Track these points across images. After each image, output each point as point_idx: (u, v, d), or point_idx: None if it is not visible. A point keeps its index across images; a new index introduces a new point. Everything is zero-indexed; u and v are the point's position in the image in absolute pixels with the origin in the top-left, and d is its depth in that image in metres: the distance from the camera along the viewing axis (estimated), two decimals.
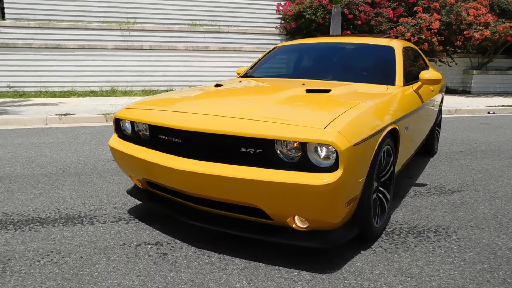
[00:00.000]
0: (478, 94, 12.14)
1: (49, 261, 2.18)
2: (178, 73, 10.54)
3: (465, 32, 10.87)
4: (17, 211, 2.88)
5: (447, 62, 11.93)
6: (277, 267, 2.12)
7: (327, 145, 1.87)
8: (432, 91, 3.86)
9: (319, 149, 1.91)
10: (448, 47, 11.32)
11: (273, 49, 3.97)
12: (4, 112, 7.13)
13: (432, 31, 10.90)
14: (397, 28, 10.80)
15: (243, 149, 2.03)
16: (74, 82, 9.88)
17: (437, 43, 10.79)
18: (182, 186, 2.16)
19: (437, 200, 3.21)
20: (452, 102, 9.75)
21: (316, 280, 2.00)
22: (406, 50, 3.66)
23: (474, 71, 12.44)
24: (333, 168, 1.87)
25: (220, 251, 2.29)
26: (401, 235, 2.54)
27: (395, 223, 2.73)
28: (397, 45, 3.42)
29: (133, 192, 2.76)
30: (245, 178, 1.92)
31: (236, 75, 3.98)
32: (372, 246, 2.37)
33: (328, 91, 2.57)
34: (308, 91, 2.57)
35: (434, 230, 2.62)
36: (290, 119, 1.98)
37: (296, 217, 2.04)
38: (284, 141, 1.94)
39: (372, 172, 2.16)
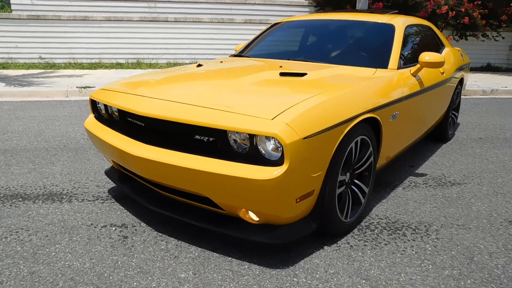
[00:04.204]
0: None
1: (15, 239, 2.25)
2: (203, 46, 10.45)
3: None
4: (6, 186, 2.99)
5: (493, 36, 10.95)
6: (229, 258, 2.07)
7: (274, 138, 1.75)
8: (442, 73, 3.55)
9: (266, 141, 1.80)
10: (492, 21, 10.36)
11: (272, 26, 3.78)
12: (30, 83, 7.41)
13: (475, 2, 10.00)
14: None
15: (197, 137, 1.95)
16: (101, 54, 10.07)
17: (479, 17, 9.90)
18: (138, 171, 2.13)
19: (431, 193, 2.99)
20: (490, 82, 9.03)
21: (264, 275, 1.94)
22: (412, 28, 3.36)
23: None
24: (281, 161, 1.76)
25: (180, 238, 2.27)
26: (375, 231, 2.40)
27: (374, 217, 2.58)
28: (400, 23, 3.14)
29: (109, 172, 2.78)
30: (191, 168, 1.85)
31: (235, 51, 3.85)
32: (338, 242, 2.25)
33: (303, 75, 2.41)
34: (282, 74, 2.42)
35: (413, 228, 2.45)
36: (242, 108, 1.87)
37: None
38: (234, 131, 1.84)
39: (335, 165, 2.01)
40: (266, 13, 10.85)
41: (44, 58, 9.83)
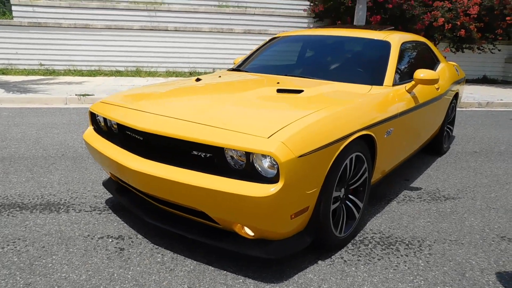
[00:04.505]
0: None
1: (12, 249, 2.27)
2: (202, 55, 10.53)
3: (507, 18, 10.02)
4: (3, 195, 3.01)
5: (489, 49, 11.10)
6: (225, 272, 2.10)
7: (270, 156, 1.79)
8: (437, 88, 3.61)
9: (263, 158, 1.84)
10: (488, 34, 10.51)
11: (270, 40, 3.84)
12: (30, 90, 7.44)
13: (471, 16, 10.14)
14: (432, 12, 10.14)
15: (195, 153, 1.99)
16: (101, 61, 10.12)
17: (475, 30, 10.03)
18: (136, 184, 2.16)
19: (425, 207, 3.03)
20: (485, 94, 9.13)
21: None
22: (407, 44, 3.42)
23: None
24: (276, 178, 1.80)
25: (176, 251, 2.30)
26: (369, 245, 2.43)
27: (369, 232, 2.61)
28: (396, 40, 3.20)
29: (107, 183, 2.81)
30: (188, 183, 1.89)
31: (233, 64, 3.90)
32: (332, 257, 2.28)
33: (299, 91, 2.45)
34: (279, 91, 2.47)
35: (407, 243, 2.48)
36: (239, 125, 1.91)
37: None
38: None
39: (330, 182, 2.05)
40: (265, 24, 10.96)
41: (44, 65, 9.87)
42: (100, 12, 10.10)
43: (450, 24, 9.91)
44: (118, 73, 10.00)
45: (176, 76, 10.11)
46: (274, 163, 1.80)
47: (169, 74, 10.22)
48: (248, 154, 1.84)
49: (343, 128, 2.09)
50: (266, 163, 1.84)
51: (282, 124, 1.89)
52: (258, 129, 1.85)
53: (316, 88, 2.56)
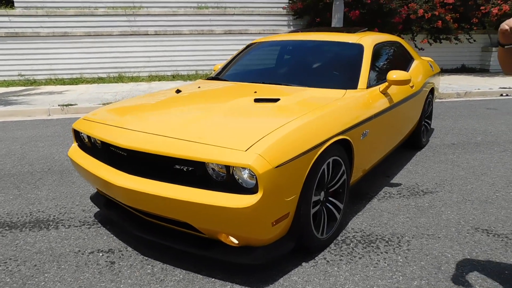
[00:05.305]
0: (496, 73, 11.55)
1: (4, 270, 2.32)
2: (184, 58, 10.55)
3: (482, 8, 10.28)
4: None
5: (465, 39, 11.37)
6: (213, 279, 2.18)
7: (248, 168, 1.87)
8: (412, 86, 3.74)
9: (242, 170, 1.92)
10: (463, 24, 10.76)
11: (248, 46, 3.92)
12: (12, 102, 7.39)
13: (447, 7, 10.36)
14: (410, 5, 10.33)
15: (177, 167, 2.07)
16: (83, 69, 10.07)
17: (451, 20, 10.27)
18: (122, 199, 2.23)
19: (405, 203, 3.16)
20: (464, 84, 9.36)
21: None
22: (380, 46, 3.54)
23: (494, 48, 11.81)
24: (256, 188, 1.88)
25: (165, 261, 2.37)
26: (351, 244, 2.54)
27: (350, 231, 2.72)
28: (369, 42, 3.31)
29: (94, 198, 2.86)
30: (172, 198, 1.96)
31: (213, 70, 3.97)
32: (316, 258, 2.39)
33: (276, 100, 2.54)
34: (256, 100, 2.56)
35: (387, 240, 2.60)
36: (218, 139, 1.99)
37: None
38: None
39: (308, 187, 2.15)
40: (246, 23, 11.01)
41: (24, 75, 9.77)
42: (79, 19, 10.03)
43: (429, 14, 10.11)
44: (100, 80, 9.96)
45: (159, 80, 10.12)
46: (253, 174, 1.89)
47: (152, 78, 10.22)
48: (228, 167, 1.92)
49: (318, 135, 2.19)
50: (245, 174, 1.93)
51: (259, 136, 1.98)
52: (236, 142, 1.94)
53: (292, 96, 2.65)
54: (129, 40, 10.15)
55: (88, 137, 2.63)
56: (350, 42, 3.30)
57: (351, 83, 2.93)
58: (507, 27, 1.59)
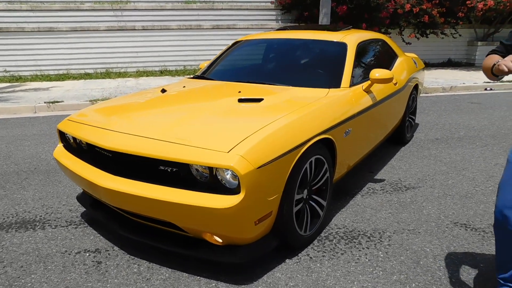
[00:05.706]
0: (481, 67, 11.73)
1: None
2: (172, 53, 10.50)
3: (467, 2, 10.40)
4: None
5: (451, 34, 11.51)
6: (198, 277, 2.23)
7: (230, 169, 1.91)
8: (395, 84, 3.80)
9: (225, 171, 1.96)
10: (450, 19, 10.89)
11: (234, 44, 3.93)
12: None
13: (433, 1, 10.47)
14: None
15: (161, 168, 2.10)
16: (69, 65, 9.96)
17: (437, 15, 10.38)
18: (107, 200, 2.26)
19: (388, 199, 3.23)
20: (449, 78, 9.49)
21: None
22: (364, 44, 3.59)
23: (479, 43, 11.97)
24: (239, 189, 1.93)
25: (151, 260, 2.41)
26: (334, 241, 2.61)
27: (334, 227, 2.79)
28: (352, 41, 3.35)
29: (80, 198, 2.88)
30: (156, 199, 2.00)
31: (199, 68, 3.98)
32: (299, 254, 2.44)
33: (260, 100, 2.58)
34: (240, 100, 2.59)
35: (369, 235, 2.67)
36: (201, 141, 2.03)
37: None
38: None
39: (291, 186, 2.20)
40: (234, 18, 10.98)
41: (9, 71, 9.64)
42: (64, 14, 9.90)
43: (418, 8, 10.20)
44: (87, 76, 9.87)
45: (147, 75, 10.07)
46: (235, 174, 1.93)
47: (139, 74, 10.16)
48: (211, 168, 1.96)
49: (300, 135, 2.23)
50: (228, 175, 1.97)
51: (242, 137, 2.02)
52: (219, 144, 1.97)
53: (276, 96, 2.69)
54: (116, 35, 10.06)
55: (74, 138, 2.64)
56: (334, 40, 3.35)
57: (334, 82, 2.98)
58: (506, 69, 1.61)
